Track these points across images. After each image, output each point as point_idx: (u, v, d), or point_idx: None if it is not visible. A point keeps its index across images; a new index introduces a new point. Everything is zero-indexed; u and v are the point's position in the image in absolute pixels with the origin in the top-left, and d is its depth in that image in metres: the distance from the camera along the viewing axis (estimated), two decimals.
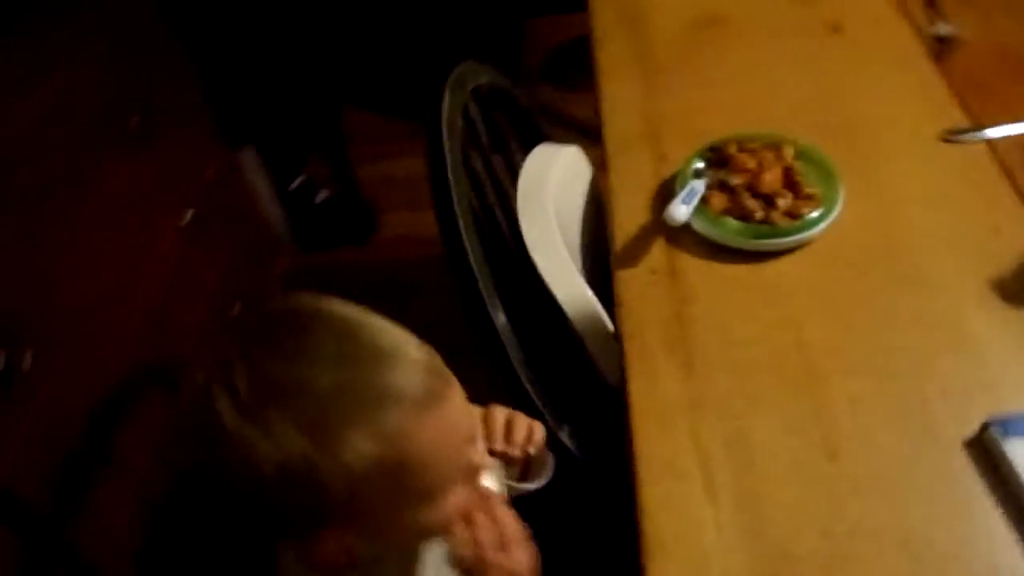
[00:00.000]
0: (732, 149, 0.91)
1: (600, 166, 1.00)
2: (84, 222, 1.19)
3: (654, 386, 0.74)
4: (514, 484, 0.76)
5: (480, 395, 0.81)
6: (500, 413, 0.74)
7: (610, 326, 0.82)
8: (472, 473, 0.63)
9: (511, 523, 0.64)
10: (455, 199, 0.75)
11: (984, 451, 0.65)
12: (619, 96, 1.07)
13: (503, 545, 0.62)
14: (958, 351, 0.73)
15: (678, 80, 1.08)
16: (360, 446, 0.52)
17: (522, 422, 0.74)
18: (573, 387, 0.85)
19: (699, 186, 0.86)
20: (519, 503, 0.71)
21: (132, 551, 1.18)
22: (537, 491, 0.78)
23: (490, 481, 0.70)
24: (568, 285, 0.80)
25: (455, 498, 0.60)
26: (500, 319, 0.76)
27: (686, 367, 0.75)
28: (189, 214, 1.46)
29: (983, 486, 0.64)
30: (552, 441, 0.77)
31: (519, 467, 0.77)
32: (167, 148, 1.43)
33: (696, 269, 0.84)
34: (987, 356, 0.72)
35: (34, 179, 1.10)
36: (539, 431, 0.76)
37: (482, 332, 0.75)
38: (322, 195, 2.09)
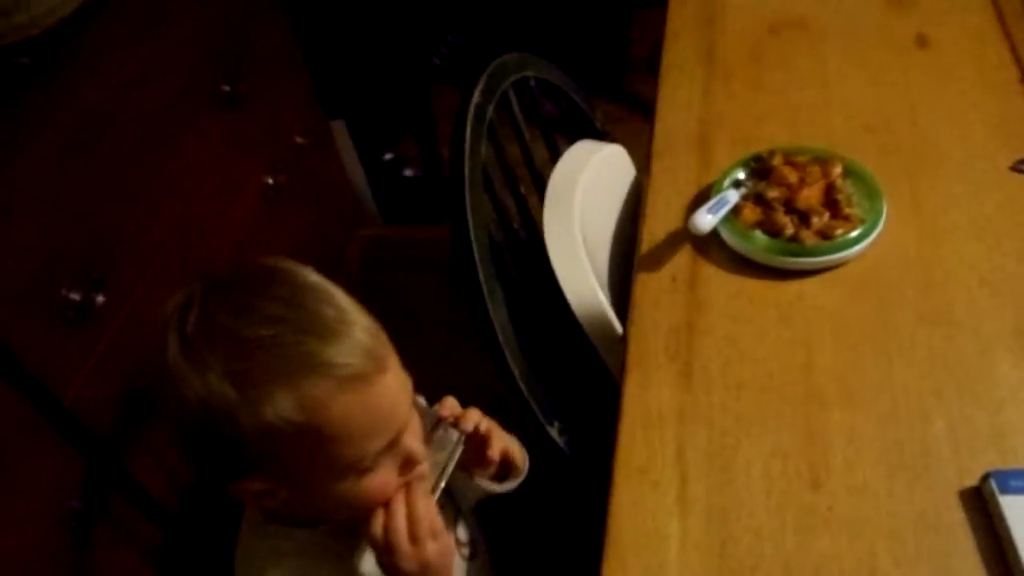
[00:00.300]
0: (776, 161, 0.88)
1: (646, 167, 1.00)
2: (171, 175, 1.28)
3: (647, 391, 0.74)
4: (487, 484, 0.76)
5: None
6: (475, 410, 0.73)
7: (618, 328, 0.82)
8: (406, 461, 0.63)
9: (428, 515, 0.64)
10: (466, 186, 0.76)
11: (980, 504, 0.62)
12: (677, 96, 1.05)
13: (415, 536, 0.62)
14: (974, 396, 0.69)
15: (741, 84, 1.05)
16: (279, 405, 0.54)
17: (497, 440, 0.74)
18: (577, 384, 0.86)
19: (731, 196, 0.84)
20: (499, 499, 0.73)
21: (181, 486, 1.28)
22: (510, 492, 0.79)
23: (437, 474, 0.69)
24: (579, 283, 0.80)
25: (380, 479, 0.61)
26: (500, 312, 0.78)
27: (684, 376, 0.75)
28: (275, 175, 1.54)
29: (972, 541, 0.61)
30: (539, 435, 0.78)
31: (494, 468, 0.78)
32: (260, 109, 1.51)
33: (717, 280, 0.83)
34: (1005, 405, 0.68)
35: (129, 131, 1.19)
36: (510, 446, 0.76)
37: (478, 322, 0.77)
38: (408, 171, 2.15)
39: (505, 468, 0.78)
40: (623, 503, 0.66)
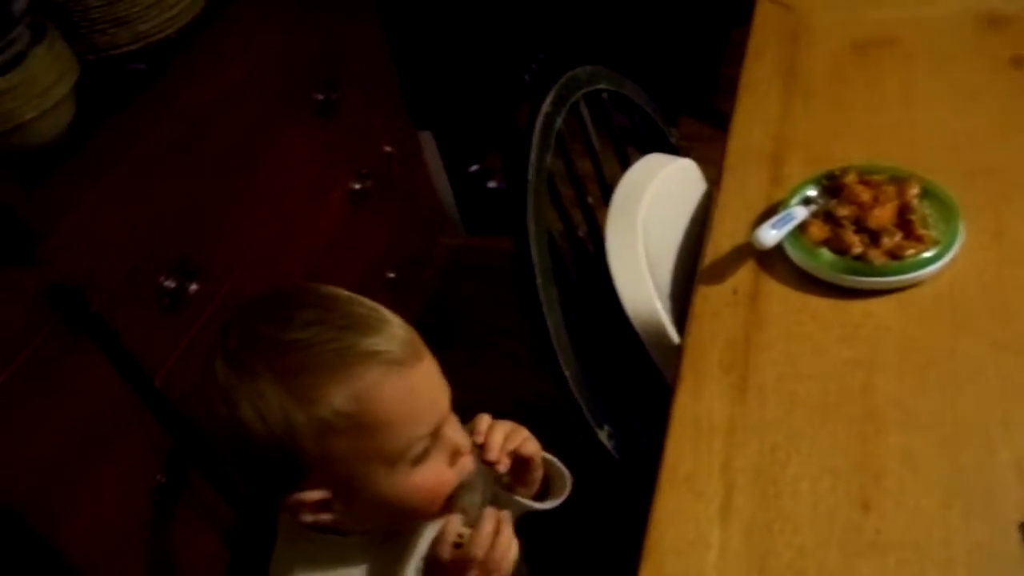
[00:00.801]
0: (850, 179, 0.87)
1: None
2: (265, 177, 1.36)
3: (699, 401, 0.74)
4: (526, 502, 0.75)
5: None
6: (502, 429, 0.71)
7: (674, 338, 0.82)
8: (453, 453, 0.64)
9: (511, 544, 0.63)
10: (529, 191, 0.79)
11: None
12: (754, 111, 1.05)
13: (488, 570, 0.61)
14: None
15: (821, 102, 1.04)
16: (332, 399, 0.57)
17: (518, 439, 0.71)
18: (631, 392, 0.86)
19: (798, 213, 0.83)
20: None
21: None
22: (551, 511, 0.76)
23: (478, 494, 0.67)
24: (637, 291, 0.81)
25: (432, 471, 0.62)
26: (554, 315, 0.79)
27: (737, 390, 0.74)
28: (362, 181, 1.61)
29: None
30: (588, 439, 0.79)
31: (536, 486, 0.76)
32: (351, 118, 1.59)
33: (779, 297, 0.82)
34: None
35: (229, 134, 1.28)
36: (538, 472, 0.74)
37: (533, 325, 0.78)
38: (492, 183, 2.20)
39: (544, 485, 0.77)
40: (666, 509, 0.67)
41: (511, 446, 0.70)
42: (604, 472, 0.82)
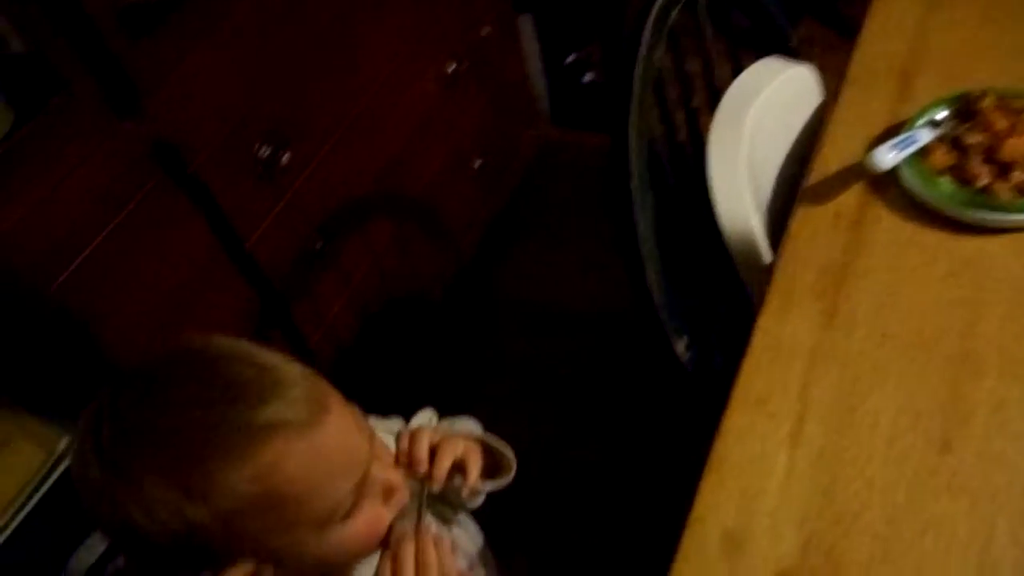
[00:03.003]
0: (987, 103, 0.79)
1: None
2: (360, 52, 1.35)
3: (784, 324, 0.72)
4: (476, 487, 0.68)
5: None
6: (424, 437, 0.65)
7: (766, 257, 0.79)
8: (383, 489, 0.58)
9: (441, 563, 0.59)
10: (635, 85, 0.74)
11: None
12: (888, 18, 0.96)
13: None
14: None
15: (967, 13, 0.94)
16: (231, 485, 0.50)
17: (448, 452, 0.64)
18: (713, 307, 0.84)
19: (922, 135, 0.77)
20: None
21: (338, 344, 1.40)
22: (501, 490, 0.72)
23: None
24: (734, 204, 0.78)
25: (366, 517, 0.57)
26: (646, 219, 0.77)
27: (826, 316, 0.71)
28: (455, 64, 1.57)
29: None
30: (663, 349, 0.78)
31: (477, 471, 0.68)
32: None
33: (886, 225, 0.77)
34: None
35: (326, 7, 1.26)
36: (474, 464, 0.66)
37: (621, 227, 0.76)
38: (589, 76, 2.11)
39: (493, 465, 0.72)
40: (734, 427, 0.66)
41: (446, 459, 0.64)
42: (674, 385, 0.81)
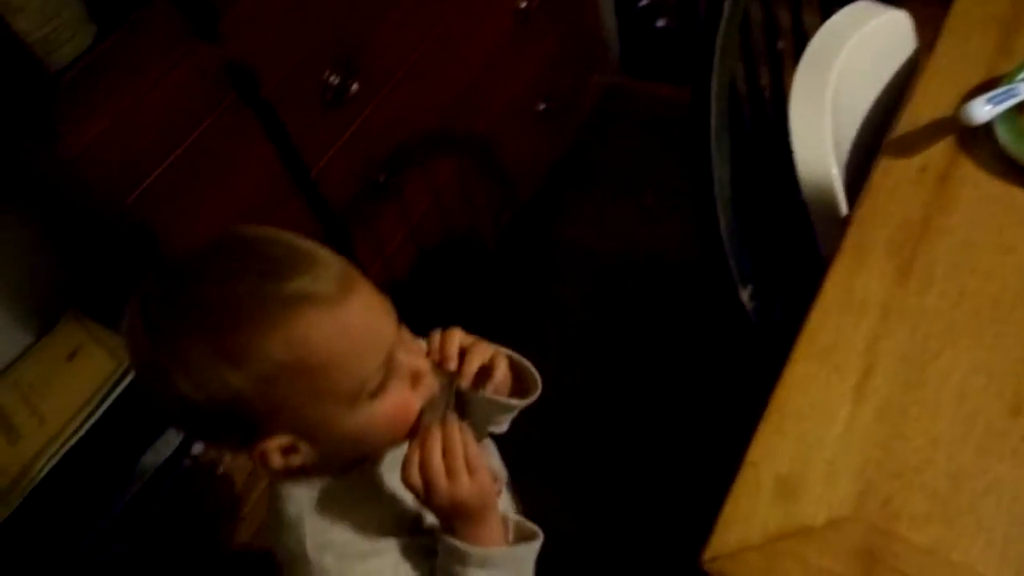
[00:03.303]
0: None
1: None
2: None
3: (855, 277, 0.70)
4: (501, 400, 0.71)
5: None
6: (456, 336, 0.66)
7: (843, 209, 0.77)
8: (410, 374, 0.60)
9: (466, 450, 0.61)
10: (723, 22, 0.72)
11: None
12: None
13: (450, 470, 0.60)
14: None
15: None
16: (265, 352, 0.53)
17: (478, 353, 0.66)
18: (781, 256, 0.82)
19: (1021, 90, 0.73)
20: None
21: (393, 279, 1.42)
22: (527, 407, 0.73)
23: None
24: (814, 153, 0.75)
25: (394, 399, 0.59)
26: (723, 166, 0.75)
27: (902, 273, 0.69)
28: (527, 2, 1.54)
29: None
30: (728, 297, 0.77)
31: (506, 385, 0.71)
32: None
33: (974, 181, 0.74)
34: None
35: None
36: (500, 368, 0.68)
37: (696, 171, 0.74)
38: (662, 22, 2.05)
39: (519, 383, 0.73)
40: (797, 376, 0.65)
41: (475, 360, 0.65)
42: (734, 335, 0.80)
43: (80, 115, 0.92)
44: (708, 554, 0.57)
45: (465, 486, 0.60)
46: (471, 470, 0.61)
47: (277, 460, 0.59)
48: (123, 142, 0.96)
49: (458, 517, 0.62)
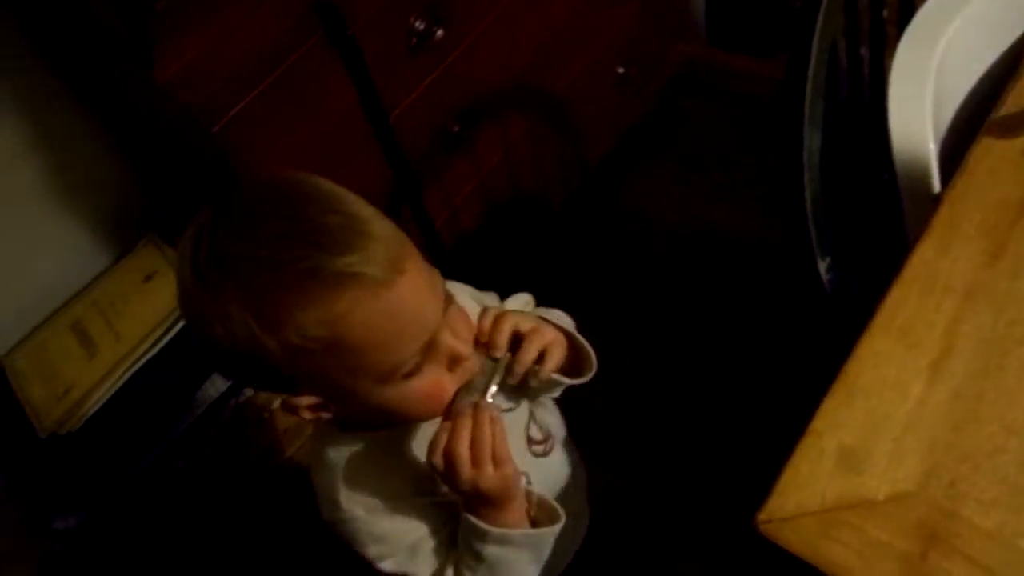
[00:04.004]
0: None
1: None
2: None
3: (942, 257, 0.68)
4: (557, 377, 0.69)
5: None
6: (508, 323, 0.64)
7: (936, 186, 0.74)
8: (448, 357, 0.60)
9: (494, 441, 0.60)
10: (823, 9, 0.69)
11: None
12: None
13: (476, 459, 0.59)
14: None
15: None
16: (299, 324, 0.52)
17: (536, 341, 0.64)
18: (866, 230, 0.80)
19: None
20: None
21: (460, 231, 1.43)
22: (580, 385, 0.71)
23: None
24: (912, 126, 0.72)
25: (429, 380, 0.59)
26: (814, 135, 0.73)
27: (991, 256, 0.67)
28: None
29: None
30: (806, 268, 0.75)
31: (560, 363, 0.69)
32: None
33: None
34: None
35: None
36: (555, 357, 0.66)
37: (787, 138, 0.73)
38: None
39: (575, 360, 0.71)
40: (870, 351, 0.64)
41: (533, 348, 0.64)
42: (808, 306, 0.79)
43: (174, 41, 0.94)
44: (763, 515, 0.57)
45: (489, 476, 0.60)
46: (496, 461, 0.60)
47: (307, 414, 0.60)
48: (213, 70, 0.98)
49: (479, 503, 0.63)
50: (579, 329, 0.75)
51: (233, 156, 1.05)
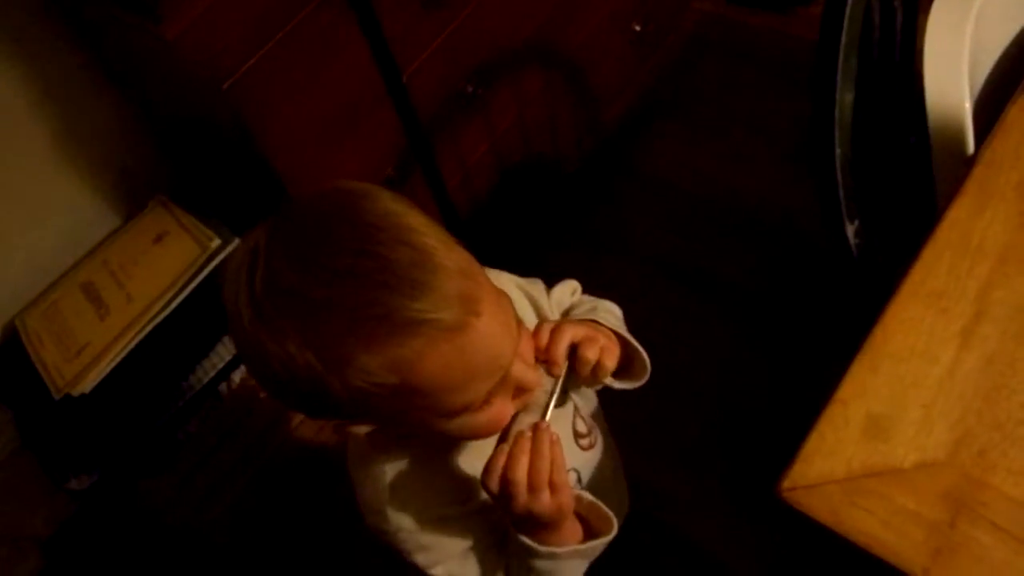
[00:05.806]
0: None
1: None
2: None
3: (976, 220, 0.65)
4: (607, 381, 0.68)
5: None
6: (566, 336, 0.61)
7: (970, 146, 0.72)
8: (516, 386, 0.57)
9: (553, 467, 0.57)
10: None
11: None
12: None
13: (533, 486, 0.57)
14: None
15: None
16: (366, 369, 0.49)
17: (591, 350, 0.61)
18: (896, 196, 0.78)
19: None
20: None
21: (473, 193, 1.41)
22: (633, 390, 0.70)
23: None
24: (947, 83, 0.70)
25: (494, 411, 0.57)
26: (846, 91, 0.70)
27: None
28: None
29: None
30: (833, 230, 0.73)
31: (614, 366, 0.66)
32: None
33: None
34: None
35: None
36: (609, 361, 0.63)
37: (818, 94, 0.70)
38: None
39: (625, 360, 0.69)
40: (899, 316, 0.62)
41: (590, 358, 0.61)
42: (837, 272, 0.77)
43: None
44: (787, 483, 0.56)
45: (545, 503, 0.57)
46: (554, 488, 0.57)
47: (361, 432, 0.59)
48: (223, 26, 0.96)
49: (531, 525, 0.61)
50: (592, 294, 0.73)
51: (244, 113, 1.03)
